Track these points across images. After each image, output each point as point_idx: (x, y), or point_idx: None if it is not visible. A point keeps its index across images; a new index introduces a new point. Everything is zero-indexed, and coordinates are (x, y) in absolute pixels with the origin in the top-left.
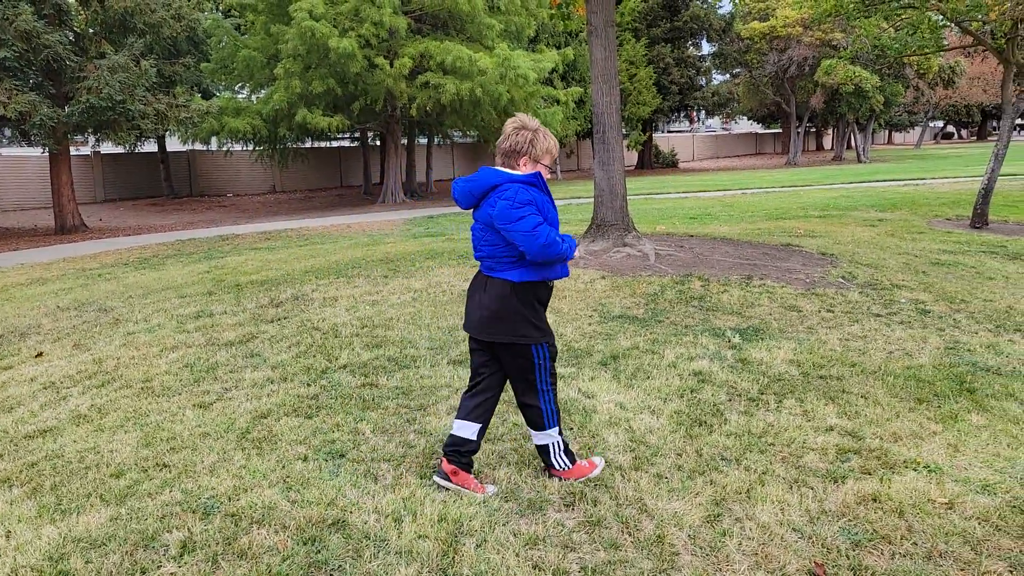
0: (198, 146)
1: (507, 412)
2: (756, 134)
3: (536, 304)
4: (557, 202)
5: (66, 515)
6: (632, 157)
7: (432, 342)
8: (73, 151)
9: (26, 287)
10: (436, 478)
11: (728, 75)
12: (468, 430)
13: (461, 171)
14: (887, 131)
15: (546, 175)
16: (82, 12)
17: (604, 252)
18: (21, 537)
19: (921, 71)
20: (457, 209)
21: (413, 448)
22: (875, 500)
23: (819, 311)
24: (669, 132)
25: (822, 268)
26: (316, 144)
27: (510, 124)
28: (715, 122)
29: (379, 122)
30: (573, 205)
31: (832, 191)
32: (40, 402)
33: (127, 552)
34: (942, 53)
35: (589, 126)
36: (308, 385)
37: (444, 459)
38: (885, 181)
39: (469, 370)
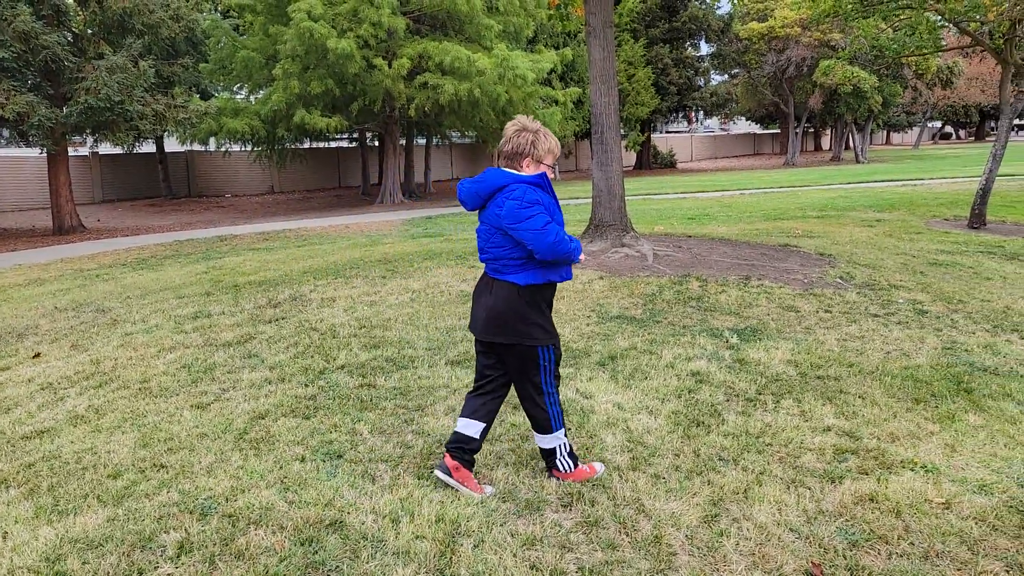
0: (196, 147)
1: (505, 413)
2: (754, 134)
3: (543, 306)
4: None
5: (63, 516)
6: (630, 158)
7: (430, 343)
8: (71, 152)
9: (24, 288)
10: (437, 472)
11: (726, 75)
12: (472, 428)
13: (459, 172)
14: (885, 131)
15: (550, 175)
16: (80, 13)
17: (602, 252)
18: (18, 538)
19: (919, 71)
20: (455, 210)
21: (411, 449)
22: (872, 500)
23: (817, 311)
24: (667, 132)
25: (820, 268)
26: (314, 145)
27: (511, 127)
28: (713, 123)
29: (377, 123)
30: (571, 205)
31: (830, 191)
32: (37, 403)
33: (124, 553)
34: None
35: (587, 126)
36: (306, 386)
37: (447, 454)
38: (883, 181)
39: (468, 371)
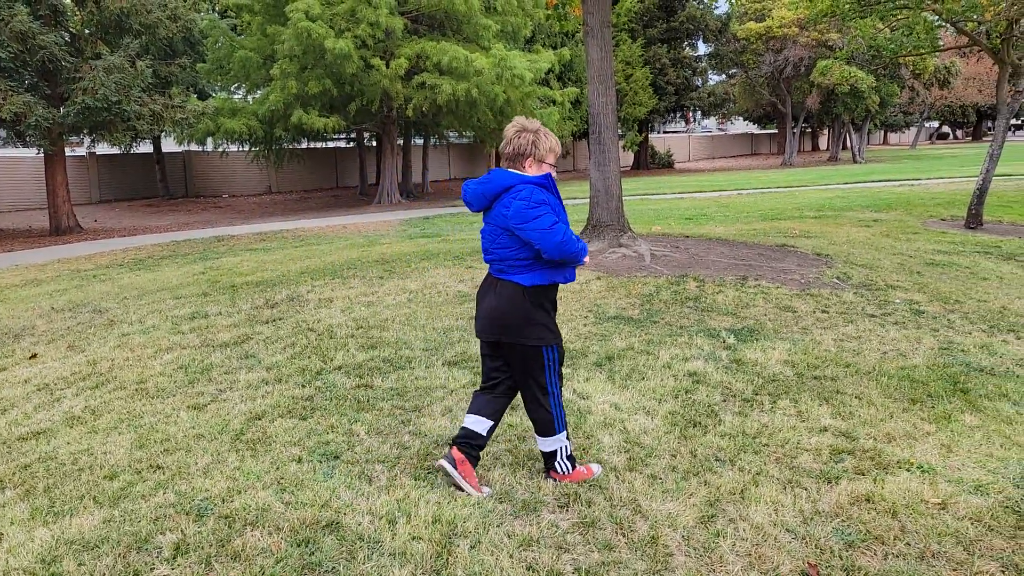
0: (194, 147)
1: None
2: (752, 134)
3: (547, 306)
4: None
5: (59, 517)
6: (628, 158)
7: (427, 343)
8: (68, 152)
9: (20, 288)
10: (442, 462)
11: (724, 75)
12: (480, 425)
13: (457, 172)
14: (883, 131)
15: (553, 174)
16: (78, 13)
17: (600, 253)
18: (13, 539)
19: (917, 71)
20: (453, 210)
21: (408, 449)
22: (868, 500)
23: (814, 312)
24: (665, 132)
25: (817, 269)
26: (312, 145)
27: (511, 128)
28: (711, 122)
29: (375, 123)
30: (569, 205)
31: (827, 191)
32: (34, 404)
33: (120, 554)
34: (937, 53)
35: (585, 126)
36: (303, 386)
37: (454, 447)
38: (880, 181)
39: (465, 371)
